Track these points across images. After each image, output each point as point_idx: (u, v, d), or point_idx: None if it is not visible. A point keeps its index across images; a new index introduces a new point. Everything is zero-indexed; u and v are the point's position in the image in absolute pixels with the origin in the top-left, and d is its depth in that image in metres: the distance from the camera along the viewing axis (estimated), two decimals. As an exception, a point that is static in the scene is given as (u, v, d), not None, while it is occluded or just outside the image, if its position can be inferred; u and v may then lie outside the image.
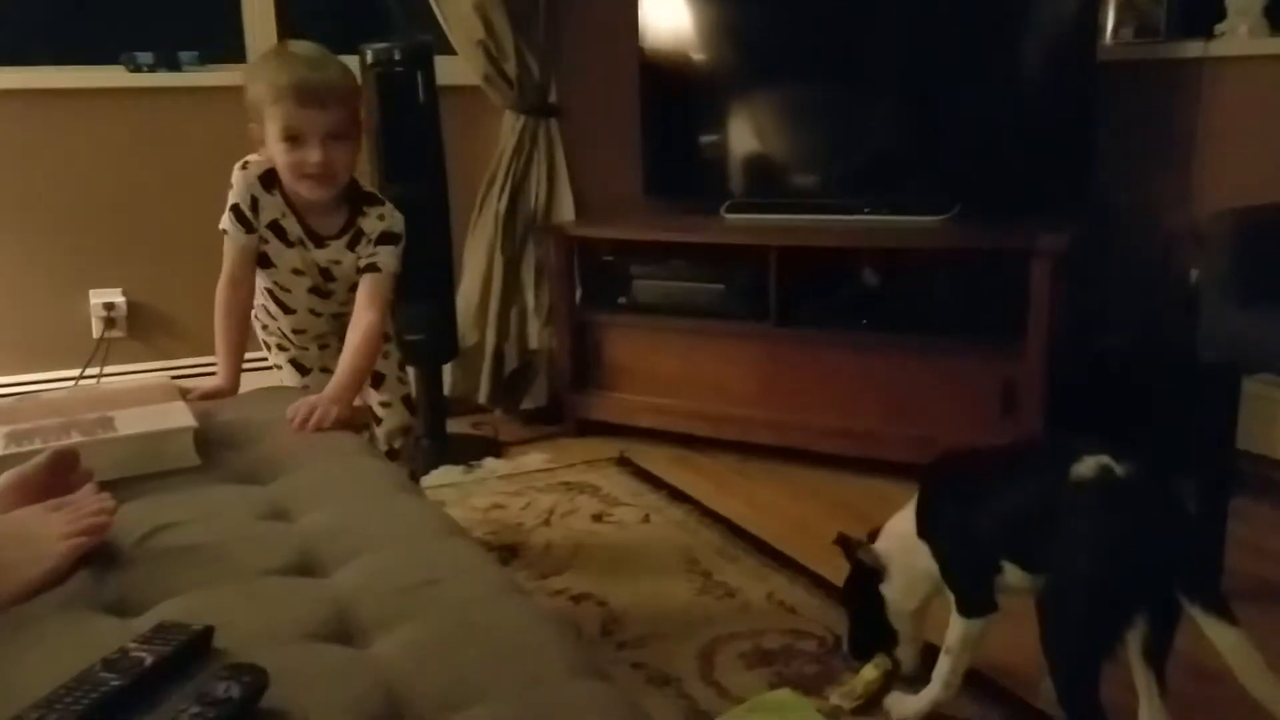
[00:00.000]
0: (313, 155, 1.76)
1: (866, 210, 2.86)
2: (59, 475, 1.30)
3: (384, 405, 2.09)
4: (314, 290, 1.95)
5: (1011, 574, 1.49)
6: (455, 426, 3.06)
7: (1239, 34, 2.60)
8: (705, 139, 3.21)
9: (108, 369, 2.91)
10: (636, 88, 3.18)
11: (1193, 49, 2.66)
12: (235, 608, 1.07)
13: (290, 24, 3.03)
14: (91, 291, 2.91)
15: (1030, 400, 2.42)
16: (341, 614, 1.08)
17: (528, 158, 3.13)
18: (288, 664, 0.94)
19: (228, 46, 3.00)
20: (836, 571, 2.03)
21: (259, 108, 1.78)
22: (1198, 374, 1.95)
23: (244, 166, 1.87)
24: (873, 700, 1.66)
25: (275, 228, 1.88)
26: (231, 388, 1.90)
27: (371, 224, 1.90)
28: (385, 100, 2.70)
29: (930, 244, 2.63)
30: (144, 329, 2.97)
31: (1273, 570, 2.11)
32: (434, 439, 2.94)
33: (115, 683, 0.91)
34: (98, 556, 1.20)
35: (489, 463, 2.87)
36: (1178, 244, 2.69)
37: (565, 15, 3.12)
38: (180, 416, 1.55)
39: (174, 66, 2.90)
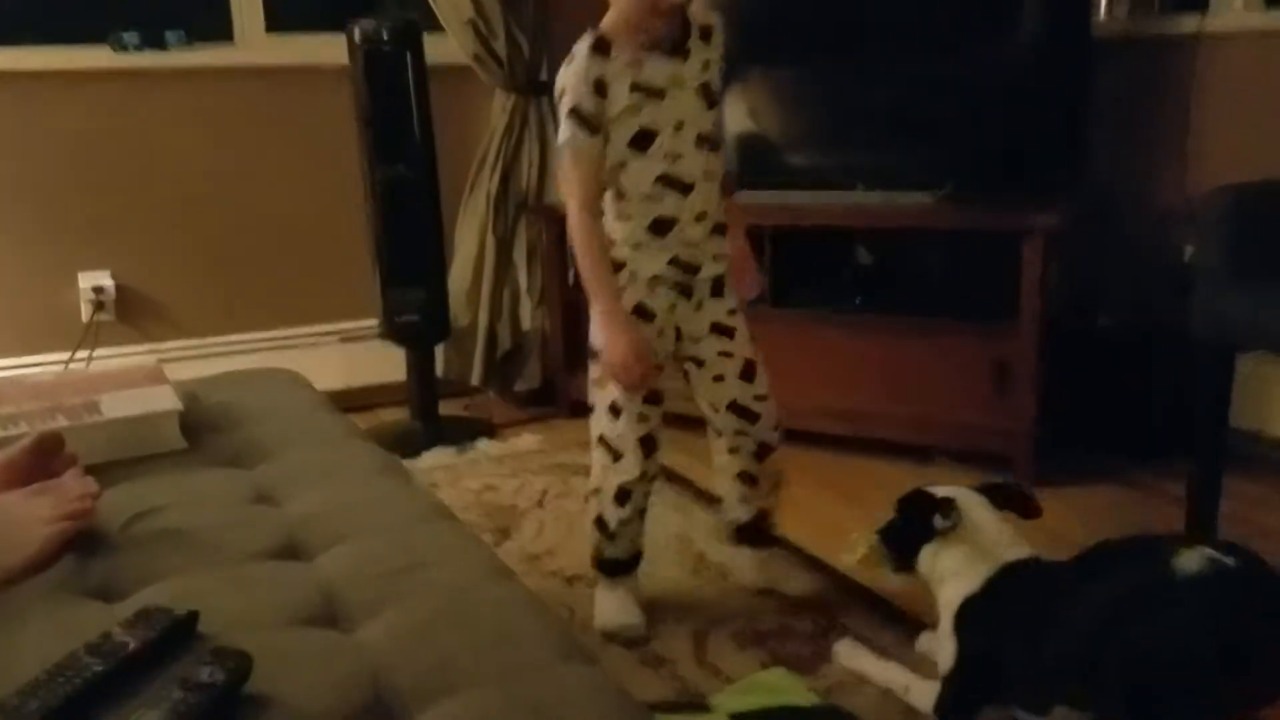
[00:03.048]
0: None
1: (860, 188, 2.84)
2: (43, 459, 1.29)
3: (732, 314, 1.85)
4: (701, 139, 1.73)
5: (1064, 716, 1.41)
6: (447, 408, 3.05)
7: (1234, 9, 2.58)
8: (697, 117, 3.18)
9: (97, 353, 2.89)
10: (628, 66, 3.15)
11: (1188, 24, 2.63)
12: (220, 593, 1.07)
13: (276, 1, 3.00)
14: (80, 274, 2.89)
15: (1023, 379, 2.41)
16: (327, 599, 1.07)
17: (519, 137, 3.10)
18: (272, 649, 0.93)
19: (214, 26, 2.96)
20: (829, 551, 2.04)
21: None
22: (1191, 352, 1.94)
23: (571, 58, 1.64)
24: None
25: (641, 89, 1.65)
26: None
27: (705, 14, 1.76)
28: (373, 80, 2.68)
29: (924, 222, 2.62)
30: (133, 312, 2.95)
31: (1265, 546, 2.09)
32: (426, 421, 2.93)
33: (98, 668, 0.90)
34: (82, 541, 1.20)
35: (482, 444, 2.86)
36: (1172, 221, 2.67)
37: (555, -8, 3.10)
38: (165, 400, 1.54)
39: (160, 46, 2.87)
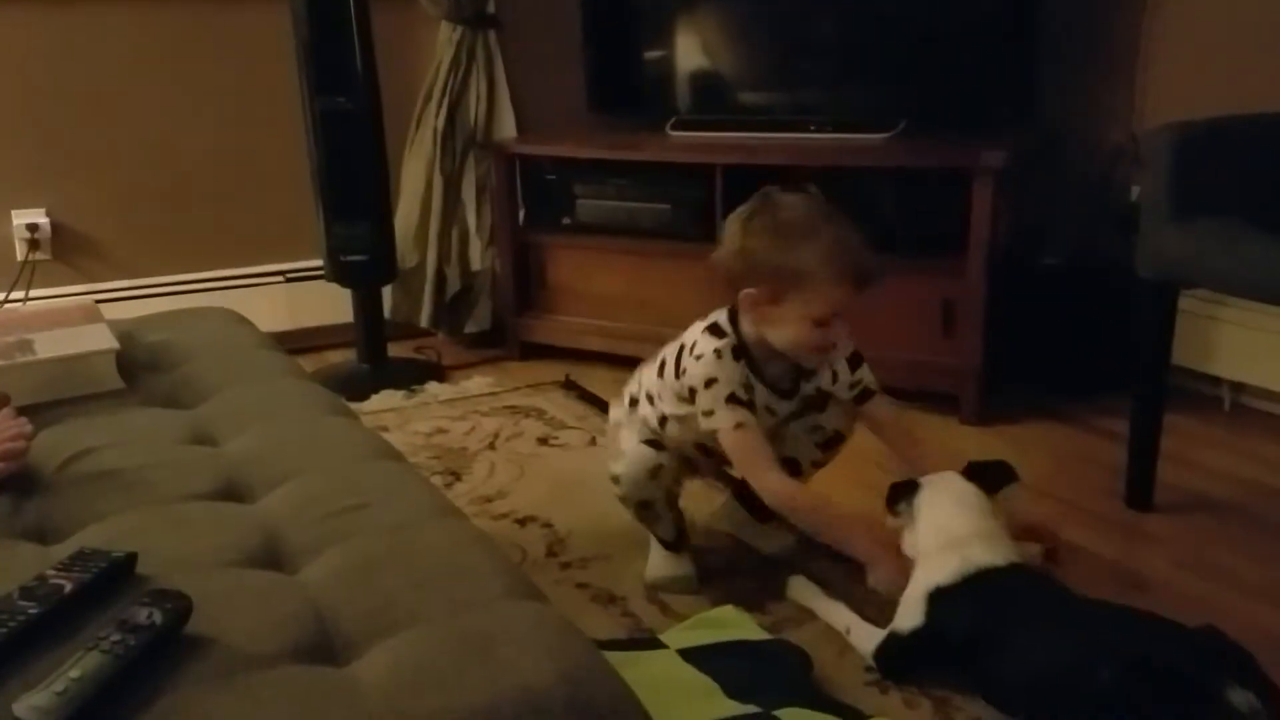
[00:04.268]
0: (839, 335, 1.67)
1: (812, 128, 2.83)
2: (-27, 400, 1.26)
3: None
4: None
5: None
6: (396, 350, 3.02)
7: (1186, -54, 2.58)
8: (650, 53, 3.13)
9: (33, 293, 2.81)
10: (579, -2, 3.10)
11: (1139, -39, 2.63)
12: (158, 534, 1.05)
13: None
14: (14, 212, 2.80)
15: (970, 318, 2.43)
16: (268, 539, 1.06)
17: (465, 71, 3.04)
18: (212, 590, 0.92)
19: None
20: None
21: (795, 280, 1.58)
22: (1135, 290, 1.96)
23: (719, 355, 1.65)
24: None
25: (750, 402, 1.71)
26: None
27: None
28: (314, 9, 2.60)
29: (874, 161, 2.61)
30: (70, 251, 2.87)
31: (1203, 483, 2.16)
32: (374, 363, 2.90)
33: (33, 610, 0.89)
34: (16, 483, 1.18)
35: (431, 387, 2.84)
36: (1119, 159, 2.69)
37: (502, -80, 3.02)
38: (101, 338, 1.51)
39: (91, -27, 2.77)
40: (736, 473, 1.80)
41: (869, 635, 1.56)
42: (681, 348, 1.72)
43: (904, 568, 1.57)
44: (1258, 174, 1.93)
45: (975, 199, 2.37)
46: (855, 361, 1.77)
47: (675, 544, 1.82)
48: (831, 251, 1.57)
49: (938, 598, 1.49)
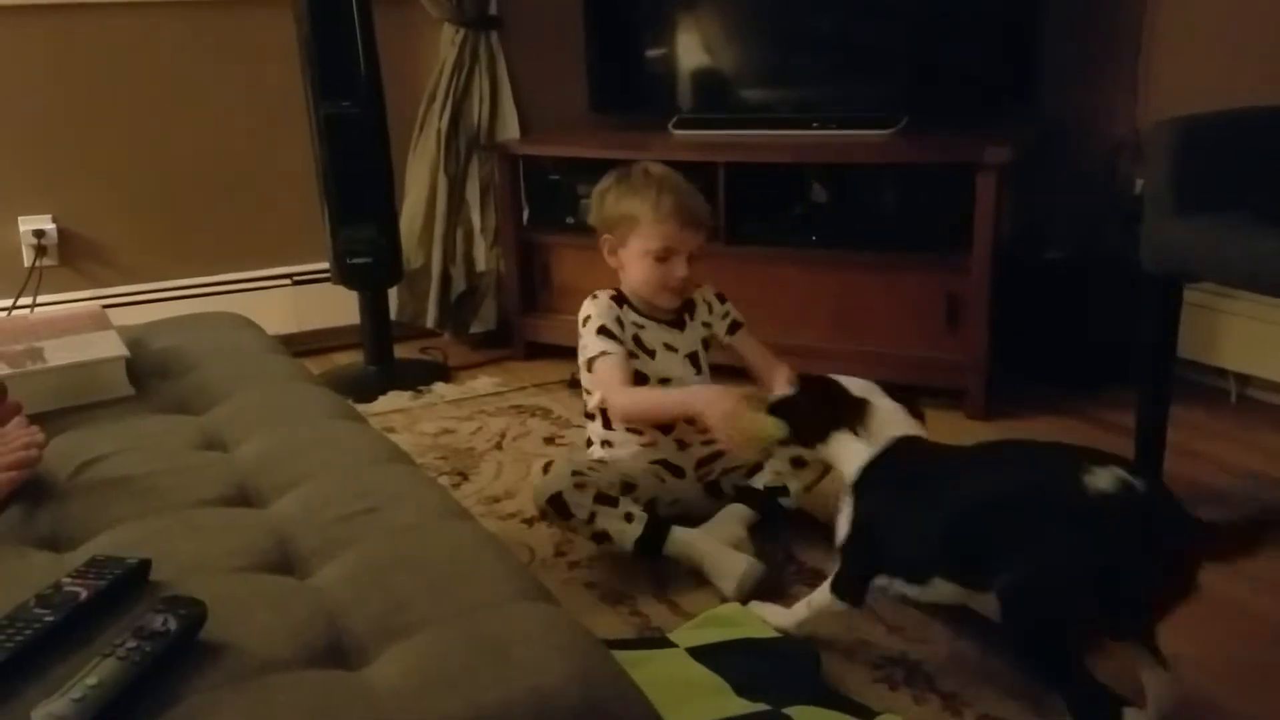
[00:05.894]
0: (680, 270, 1.90)
1: (815, 124, 2.83)
2: (-15, 409, 1.27)
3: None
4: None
5: (940, 588, 1.43)
6: (403, 351, 3.02)
7: (1187, -62, 2.57)
8: (652, 52, 3.14)
9: (40, 299, 2.83)
10: (580, -1, 3.10)
11: (1141, -46, 2.63)
12: (172, 540, 1.06)
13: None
14: (20, 219, 2.81)
15: (975, 313, 2.43)
16: (280, 544, 1.06)
17: (469, 72, 3.04)
18: (226, 595, 0.93)
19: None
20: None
21: (630, 223, 1.90)
22: (1139, 284, 1.96)
23: (595, 297, 1.94)
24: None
25: (637, 341, 1.94)
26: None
27: (699, 292, 2.03)
28: (317, 13, 2.60)
29: (877, 158, 2.61)
30: (77, 257, 2.88)
31: (1209, 474, 2.16)
32: (380, 364, 2.91)
33: (49, 618, 0.89)
34: (29, 490, 1.18)
35: (438, 387, 2.85)
36: (1122, 153, 2.69)
37: (504, -78, 3.03)
38: (111, 345, 1.52)
39: (94, -21, 2.77)
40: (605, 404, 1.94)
41: (824, 588, 1.55)
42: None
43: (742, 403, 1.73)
44: (1262, 167, 1.94)
45: (979, 194, 2.37)
46: (721, 299, 2.05)
47: (654, 539, 1.79)
48: (658, 196, 1.87)
49: (860, 485, 1.50)
